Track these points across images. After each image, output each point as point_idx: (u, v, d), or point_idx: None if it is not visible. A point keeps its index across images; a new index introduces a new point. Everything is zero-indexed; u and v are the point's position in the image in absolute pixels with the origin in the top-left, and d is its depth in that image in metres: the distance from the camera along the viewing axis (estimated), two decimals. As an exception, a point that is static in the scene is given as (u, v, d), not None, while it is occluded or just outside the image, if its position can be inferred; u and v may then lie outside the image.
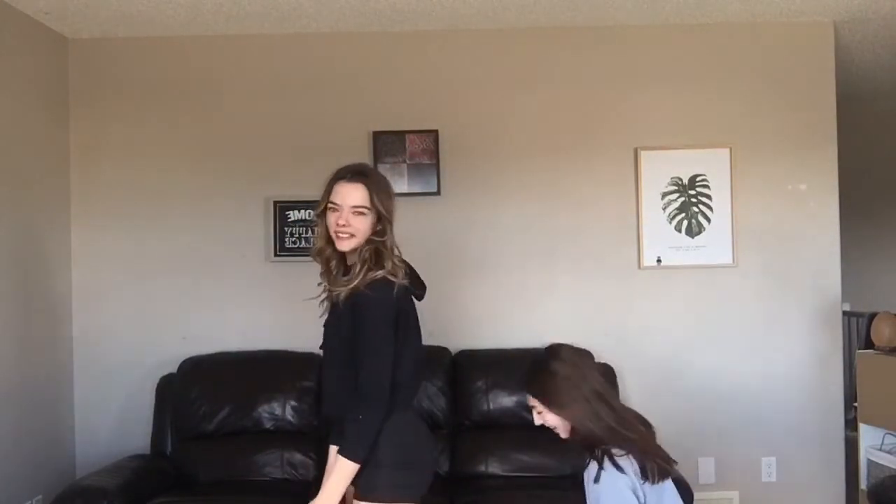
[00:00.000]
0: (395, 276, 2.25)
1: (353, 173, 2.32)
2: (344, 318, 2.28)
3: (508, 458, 3.71)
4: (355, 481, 2.26)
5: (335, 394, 2.36)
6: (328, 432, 2.54)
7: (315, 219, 2.40)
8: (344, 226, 2.27)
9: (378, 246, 2.28)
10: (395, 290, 2.24)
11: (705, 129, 4.17)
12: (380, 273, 2.24)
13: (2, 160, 3.61)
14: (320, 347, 2.40)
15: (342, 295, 2.26)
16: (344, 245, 2.29)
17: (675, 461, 2.27)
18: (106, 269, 4.14)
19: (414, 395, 2.41)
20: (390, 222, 2.31)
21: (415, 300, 2.41)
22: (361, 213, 2.28)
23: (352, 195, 2.28)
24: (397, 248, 2.35)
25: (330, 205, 2.31)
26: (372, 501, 2.23)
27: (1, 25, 3.62)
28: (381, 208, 2.28)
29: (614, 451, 2.18)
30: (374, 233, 2.29)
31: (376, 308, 2.22)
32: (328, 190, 2.33)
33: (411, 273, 2.39)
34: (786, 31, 4.18)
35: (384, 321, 2.23)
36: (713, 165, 4.14)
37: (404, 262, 2.37)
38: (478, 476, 3.68)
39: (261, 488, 3.60)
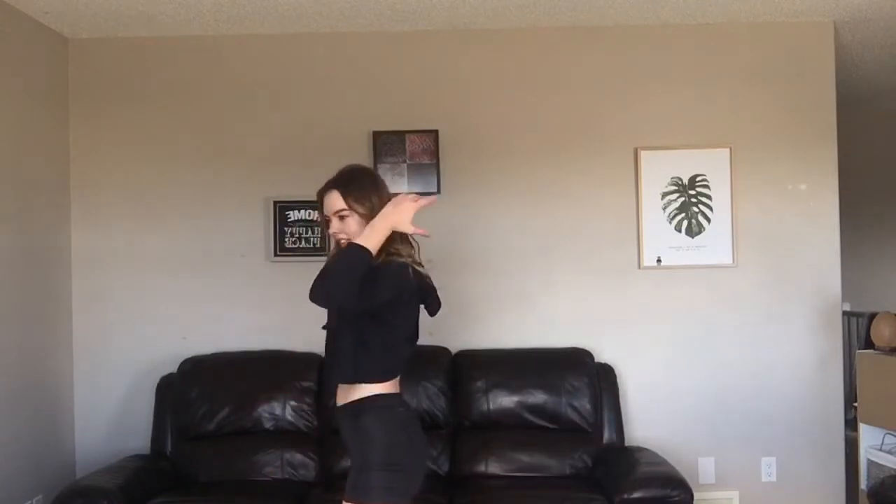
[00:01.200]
0: (401, 256, 2.33)
1: (328, 182, 2.42)
2: None
3: (508, 458, 3.71)
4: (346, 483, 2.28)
5: (345, 356, 2.35)
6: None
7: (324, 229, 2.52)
8: (336, 232, 2.39)
9: None
10: (409, 275, 2.31)
11: (705, 129, 4.17)
12: (399, 260, 2.32)
13: (2, 160, 3.61)
14: (323, 328, 2.44)
15: None
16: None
17: None
18: (106, 270, 4.14)
19: (399, 372, 2.39)
20: (371, 217, 2.34)
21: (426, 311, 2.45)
22: (344, 216, 2.37)
23: (331, 203, 2.39)
24: (415, 241, 2.40)
25: (324, 217, 2.43)
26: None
27: (1, 25, 3.62)
28: (356, 207, 2.36)
29: None
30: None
31: (389, 271, 2.29)
32: (319, 204, 2.45)
33: (430, 289, 2.43)
34: (786, 31, 4.18)
35: (391, 282, 2.28)
36: (713, 165, 4.14)
37: (425, 274, 2.41)
38: (477, 476, 3.68)
39: (261, 488, 3.60)
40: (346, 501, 2.27)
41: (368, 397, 2.31)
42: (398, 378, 2.38)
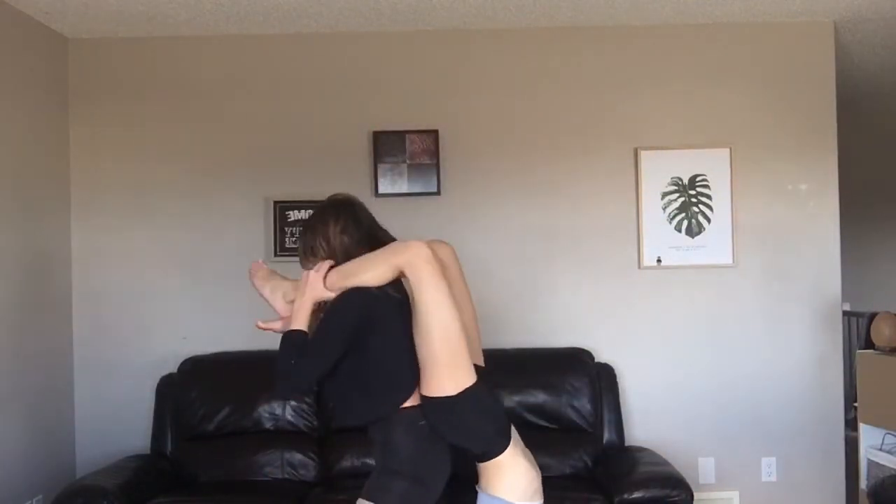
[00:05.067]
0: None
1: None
2: None
3: (508, 458, 3.70)
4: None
5: (349, 401, 2.35)
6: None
7: None
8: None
9: None
10: (365, 297, 2.27)
11: (705, 129, 4.17)
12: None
13: (2, 160, 3.61)
14: None
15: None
16: None
17: None
18: (106, 269, 4.15)
19: (411, 389, 2.32)
20: (337, 253, 2.37)
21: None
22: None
23: None
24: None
25: None
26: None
27: (1, 25, 3.62)
28: (321, 250, 2.40)
29: None
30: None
31: (334, 314, 2.27)
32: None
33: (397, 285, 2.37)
34: (786, 31, 4.18)
35: (338, 326, 2.25)
36: (713, 165, 4.15)
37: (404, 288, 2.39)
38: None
39: (261, 488, 3.60)
40: (362, 499, 2.28)
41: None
42: (417, 391, 2.34)
